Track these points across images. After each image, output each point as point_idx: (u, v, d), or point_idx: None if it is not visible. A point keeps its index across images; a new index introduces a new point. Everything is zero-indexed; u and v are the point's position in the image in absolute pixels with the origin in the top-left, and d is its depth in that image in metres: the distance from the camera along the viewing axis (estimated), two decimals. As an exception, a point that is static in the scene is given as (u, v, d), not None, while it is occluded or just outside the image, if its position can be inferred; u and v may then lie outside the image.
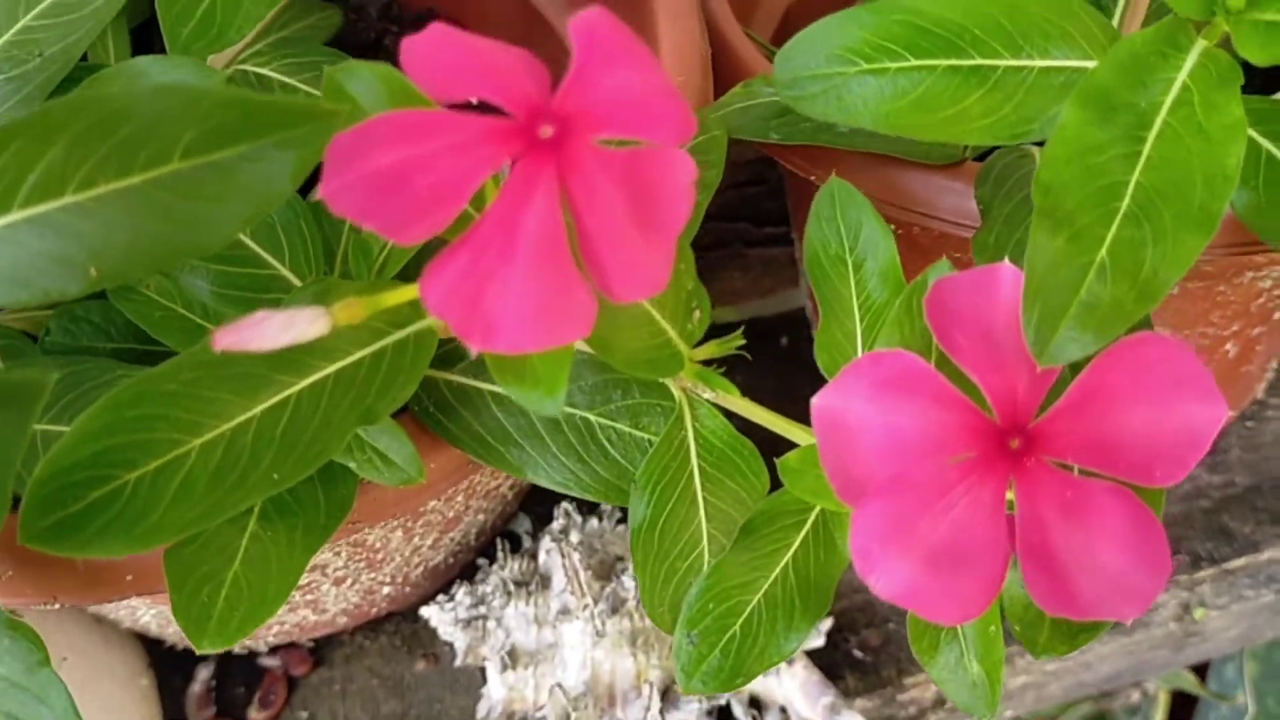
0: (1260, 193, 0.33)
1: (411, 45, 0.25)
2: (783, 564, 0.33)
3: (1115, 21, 0.37)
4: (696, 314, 0.32)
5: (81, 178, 0.25)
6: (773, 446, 0.36)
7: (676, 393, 0.34)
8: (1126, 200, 0.27)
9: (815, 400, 0.28)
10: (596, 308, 0.26)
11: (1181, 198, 0.27)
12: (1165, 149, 0.28)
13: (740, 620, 0.32)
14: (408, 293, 0.28)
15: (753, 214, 0.78)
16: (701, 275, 0.85)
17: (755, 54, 0.49)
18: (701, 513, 0.35)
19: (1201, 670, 0.93)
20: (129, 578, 0.35)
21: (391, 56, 0.57)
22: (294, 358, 0.30)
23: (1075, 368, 0.27)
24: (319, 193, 0.24)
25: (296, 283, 0.36)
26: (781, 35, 0.57)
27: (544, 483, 0.36)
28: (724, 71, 0.48)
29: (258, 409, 0.30)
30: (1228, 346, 0.55)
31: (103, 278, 0.26)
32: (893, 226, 0.51)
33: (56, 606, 0.35)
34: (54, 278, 0.26)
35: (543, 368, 0.27)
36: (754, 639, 0.32)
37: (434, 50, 0.25)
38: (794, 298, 0.75)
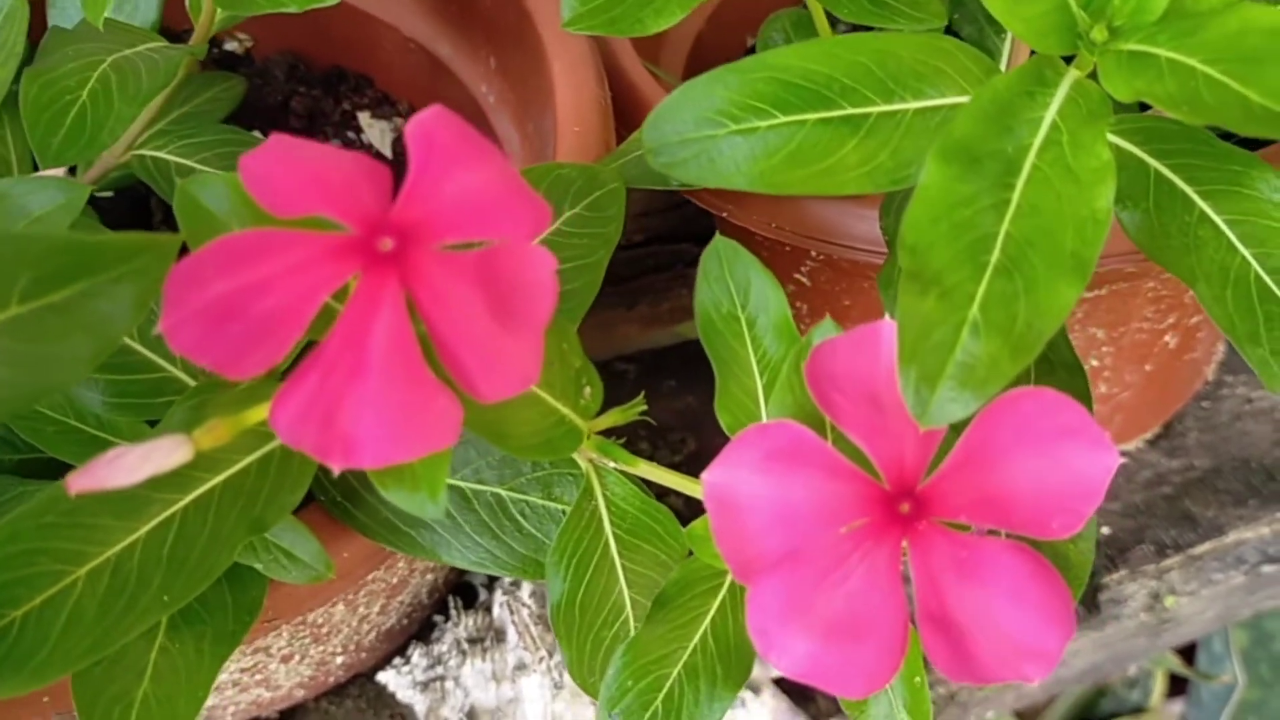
0: (1152, 214, 0.32)
1: (248, 162, 0.25)
2: (700, 633, 0.32)
3: (1003, 66, 0.36)
4: (588, 390, 0.31)
5: (-78, 328, 0.24)
6: (692, 502, 0.36)
7: (583, 463, 0.34)
8: (996, 253, 0.26)
9: (706, 476, 0.28)
10: (461, 412, 0.25)
11: (1053, 245, 0.27)
12: (1035, 194, 0.27)
13: (661, 695, 0.32)
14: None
15: (694, 233, 0.77)
16: (650, 298, 0.83)
17: (660, 94, 0.48)
18: (622, 580, 0.35)
19: (1190, 644, 0.93)
20: (45, 699, 0.34)
21: (299, 118, 0.57)
22: (176, 472, 0.29)
23: (959, 425, 0.27)
24: (159, 326, 0.24)
25: (190, 383, 0.35)
26: (692, 67, 0.56)
27: (459, 563, 0.35)
28: (629, 115, 0.47)
29: (142, 530, 0.29)
30: (1167, 338, 0.54)
31: (-45, 426, 0.25)
32: (812, 253, 0.50)
33: (-23, 731, 0.34)
34: (-94, 429, 0.25)
35: (422, 471, 0.27)
36: (677, 712, 0.32)
37: (271, 166, 0.25)
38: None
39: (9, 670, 0.28)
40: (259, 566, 0.34)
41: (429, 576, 0.53)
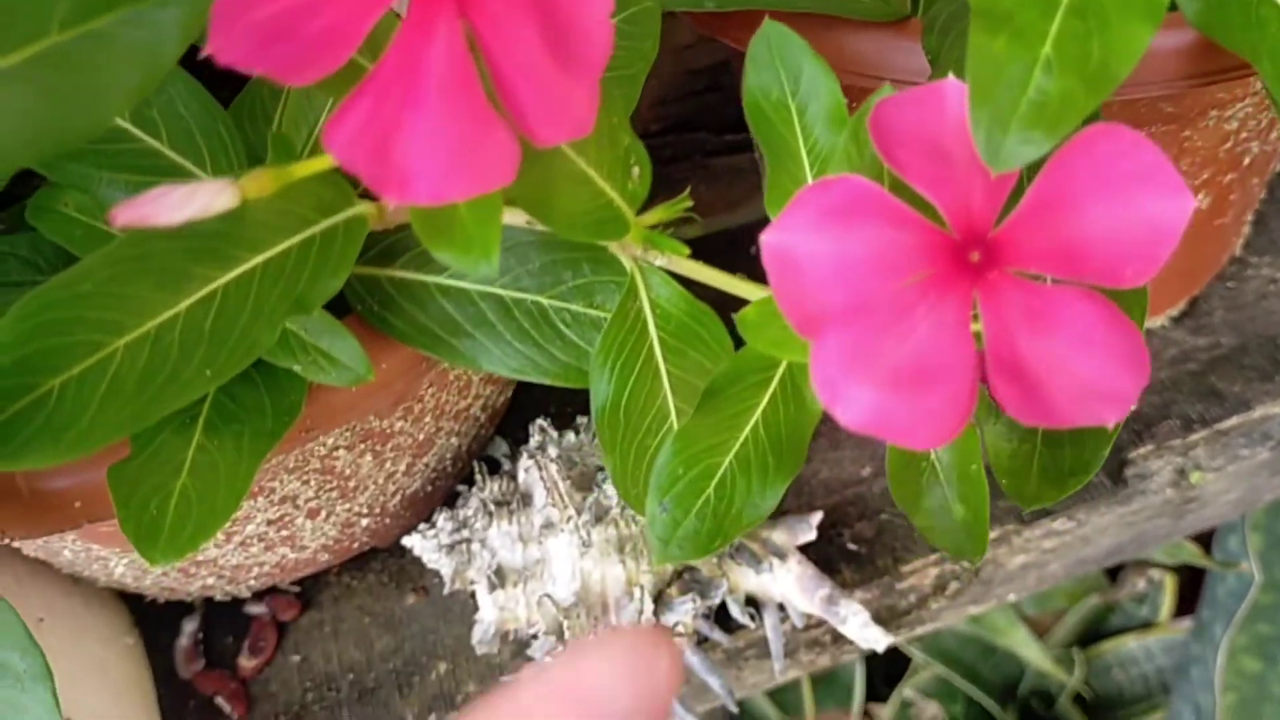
0: (1212, -5, 0.31)
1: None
2: (751, 424, 0.31)
3: None
4: (636, 170, 0.31)
5: (-44, 60, 0.23)
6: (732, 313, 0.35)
7: (627, 263, 0.33)
8: (1068, -9, 0.26)
9: (764, 237, 0.27)
10: (519, 150, 0.24)
11: (1125, -15, 0.26)
12: (1105, -63, 0.26)
13: (714, 483, 0.31)
14: (320, 163, 0.26)
15: (712, 122, 0.76)
16: (666, 192, 0.83)
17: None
18: (666, 386, 0.34)
19: (1204, 546, 0.93)
20: (77, 504, 0.34)
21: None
22: (217, 249, 0.29)
23: (1031, 172, 0.26)
24: (206, 49, 0.23)
25: (222, 187, 0.34)
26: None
27: (500, 370, 0.35)
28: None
29: (183, 304, 0.28)
30: (1200, 197, 0.54)
31: (-5, 165, 0.24)
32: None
33: (7, 541, 0.33)
34: (-59, 170, 0.24)
35: (473, 224, 0.26)
36: (729, 500, 0.31)
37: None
38: (761, 206, 0.74)
39: (47, 438, 0.27)
40: (297, 368, 0.33)
41: (454, 440, 0.52)
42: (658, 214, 0.33)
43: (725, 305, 0.34)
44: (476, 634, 0.52)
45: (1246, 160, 0.53)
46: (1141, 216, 0.25)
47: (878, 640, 0.53)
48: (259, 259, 0.29)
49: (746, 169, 0.76)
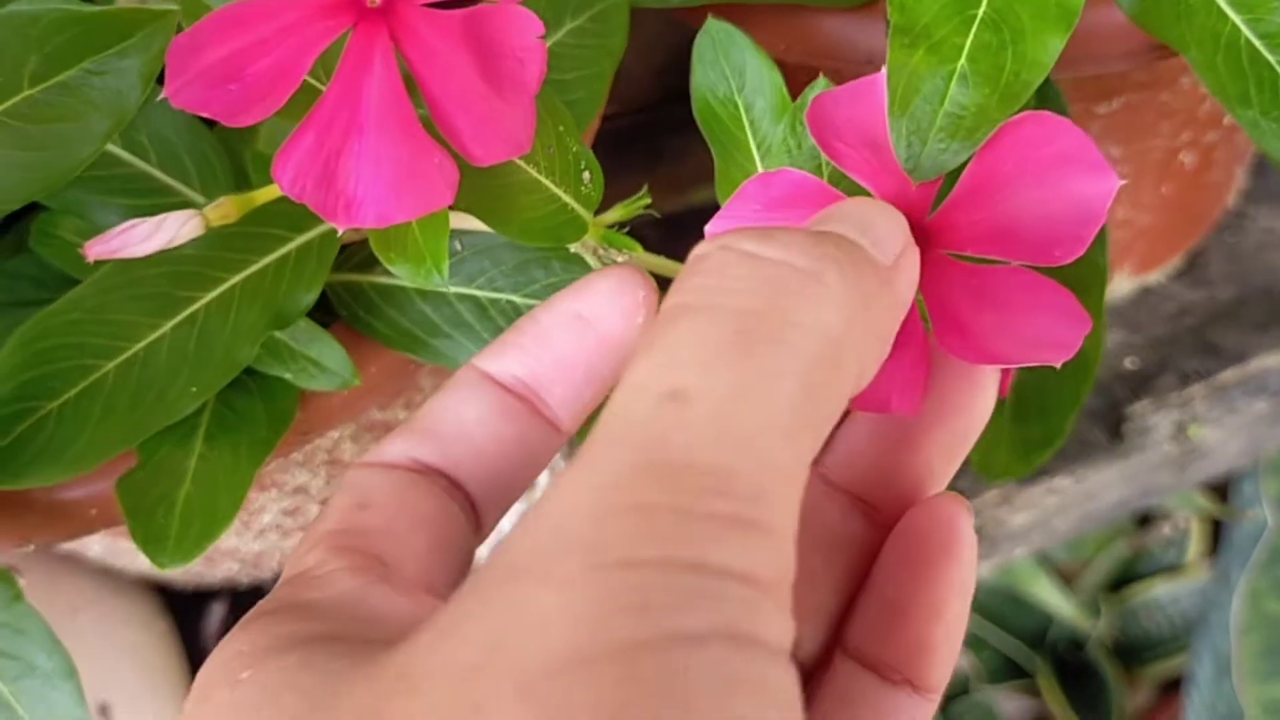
0: (1145, -16, 0.32)
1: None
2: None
3: None
4: (587, 175, 0.32)
5: (-62, 118, 0.25)
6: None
7: (591, 261, 0.35)
8: (983, 7, 0.27)
9: (708, 228, 0.28)
10: (457, 172, 0.26)
11: (1038, -3, 0.27)
12: (1019, -56, 0.27)
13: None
14: (276, 189, 0.28)
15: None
16: (670, 161, 0.83)
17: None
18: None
19: (1222, 491, 0.93)
20: (93, 512, 0.36)
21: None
22: (198, 273, 0.31)
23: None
24: (164, 92, 0.24)
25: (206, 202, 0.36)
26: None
27: (478, 369, 0.36)
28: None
29: (167, 326, 0.30)
30: (1183, 157, 0.54)
31: (-17, 212, 0.26)
32: (820, 77, 0.50)
33: (31, 548, 0.36)
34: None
35: (424, 239, 0.28)
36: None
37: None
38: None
39: (49, 458, 0.29)
40: (289, 376, 0.35)
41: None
42: (616, 213, 0.34)
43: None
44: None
45: (1228, 119, 0.54)
46: (1067, 198, 0.26)
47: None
48: (237, 278, 0.31)
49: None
